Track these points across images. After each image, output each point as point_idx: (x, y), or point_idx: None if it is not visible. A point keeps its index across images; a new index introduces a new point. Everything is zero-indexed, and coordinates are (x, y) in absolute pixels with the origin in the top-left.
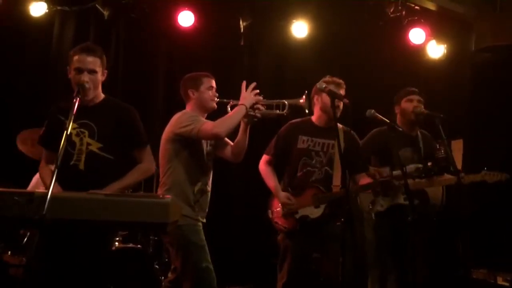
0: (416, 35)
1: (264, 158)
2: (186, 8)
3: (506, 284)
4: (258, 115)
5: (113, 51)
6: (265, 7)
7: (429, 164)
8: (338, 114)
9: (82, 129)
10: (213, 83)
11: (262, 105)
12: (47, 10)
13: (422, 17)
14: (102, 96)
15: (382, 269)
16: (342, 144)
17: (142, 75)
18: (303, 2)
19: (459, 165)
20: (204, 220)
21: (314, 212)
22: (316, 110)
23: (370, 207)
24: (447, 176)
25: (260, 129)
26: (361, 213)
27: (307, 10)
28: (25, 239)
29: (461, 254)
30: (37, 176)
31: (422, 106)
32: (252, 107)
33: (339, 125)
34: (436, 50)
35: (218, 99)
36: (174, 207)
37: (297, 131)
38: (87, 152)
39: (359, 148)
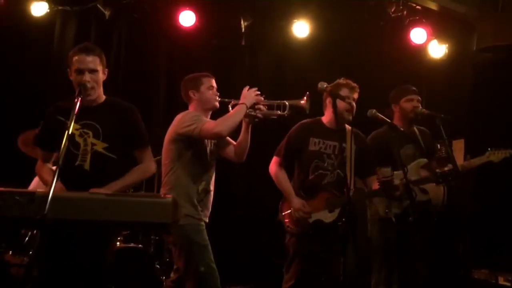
0: (417, 35)
1: (275, 160)
2: (187, 8)
3: (508, 284)
4: (259, 115)
5: (114, 51)
6: (266, 7)
7: (446, 169)
8: (351, 117)
9: (85, 130)
10: (213, 83)
11: (263, 105)
12: (48, 10)
13: (423, 17)
14: (104, 96)
15: (388, 270)
16: (354, 147)
17: (143, 74)
18: (304, 2)
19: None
20: (207, 220)
21: (328, 217)
22: (328, 113)
23: (387, 211)
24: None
25: (262, 130)
26: (365, 214)
27: (308, 10)
28: (26, 238)
29: (461, 254)
30: (37, 178)
31: (420, 106)
32: (253, 107)
33: (348, 127)
34: (437, 50)
35: (219, 99)
36: (175, 207)
37: (308, 133)
38: (92, 153)
39: (370, 149)
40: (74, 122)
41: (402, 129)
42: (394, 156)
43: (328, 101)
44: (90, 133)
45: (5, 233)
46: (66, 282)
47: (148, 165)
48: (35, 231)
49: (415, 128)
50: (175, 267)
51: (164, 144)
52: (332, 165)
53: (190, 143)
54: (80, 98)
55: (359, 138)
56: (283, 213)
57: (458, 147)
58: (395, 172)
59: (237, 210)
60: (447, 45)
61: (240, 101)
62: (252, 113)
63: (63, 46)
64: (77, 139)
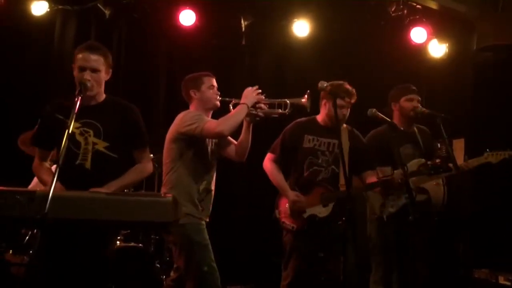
0: (418, 34)
1: (269, 156)
2: (187, 8)
3: (508, 283)
4: (261, 114)
5: (114, 51)
6: (266, 6)
7: (437, 161)
8: (345, 117)
9: (86, 129)
10: (214, 82)
11: (264, 104)
12: (48, 9)
13: (423, 16)
14: (104, 95)
15: (386, 269)
16: (348, 143)
17: (143, 74)
18: (304, 1)
19: None
20: (208, 219)
21: (323, 211)
22: (323, 111)
23: (382, 209)
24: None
25: (263, 129)
26: (365, 213)
27: (308, 10)
28: (27, 238)
29: (461, 254)
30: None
31: (420, 105)
32: (254, 106)
33: (344, 125)
34: (437, 49)
35: (220, 98)
36: (176, 206)
37: (303, 130)
38: (94, 152)
39: (365, 146)
40: (74, 121)
41: (402, 128)
42: (394, 155)
43: (324, 101)
44: (91, 132)
45: (6, 233)
46: (66, 281)
47: (145, 165)
48: (35, 231)
49: (415, 128)
50: (175, 266)
51: (165, 143)
52: (326, 161)
53: (192, 142)
54: (80, 97)
55: (354, 135)
56: (278, 209)
57: (459, 146)
58: (395, 171)
59: (237, 210)
60: (447, 45)
61: (242, 101)
62: (253, 112)
63: (63, 45)
64: (78, 137)
